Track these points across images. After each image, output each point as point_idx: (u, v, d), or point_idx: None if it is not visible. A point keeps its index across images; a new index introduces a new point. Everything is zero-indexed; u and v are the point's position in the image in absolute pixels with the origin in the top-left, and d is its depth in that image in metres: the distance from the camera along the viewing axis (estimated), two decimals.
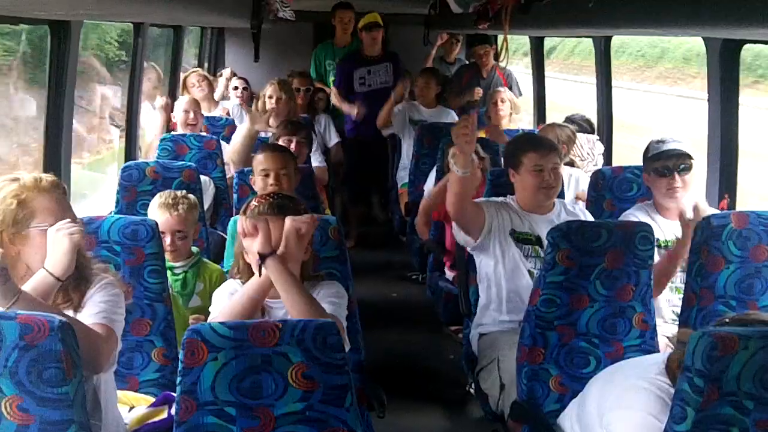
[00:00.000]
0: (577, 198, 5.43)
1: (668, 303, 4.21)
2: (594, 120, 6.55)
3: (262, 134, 5.77)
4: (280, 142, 5.38)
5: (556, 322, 3.53)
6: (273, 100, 6.45)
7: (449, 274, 5.52)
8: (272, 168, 4.52)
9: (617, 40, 6.34)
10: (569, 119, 6.40)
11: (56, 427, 2.52)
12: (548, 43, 8.98)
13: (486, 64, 8.51)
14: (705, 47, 4.58)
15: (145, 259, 3.58)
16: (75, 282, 2.89)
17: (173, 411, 2.85)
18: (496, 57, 8.07)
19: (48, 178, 2.87)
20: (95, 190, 7.45)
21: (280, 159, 4.58)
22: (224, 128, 6.81)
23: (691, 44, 12.85)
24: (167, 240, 4.08)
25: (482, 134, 7.20)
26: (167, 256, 3.93)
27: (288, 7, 7.99)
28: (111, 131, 8.36)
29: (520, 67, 8.54)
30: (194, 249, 4.28)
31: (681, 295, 3.88)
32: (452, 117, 7.79)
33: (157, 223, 3.67)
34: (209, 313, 3.35)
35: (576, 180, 5.63)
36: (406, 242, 7.03)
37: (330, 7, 8.54)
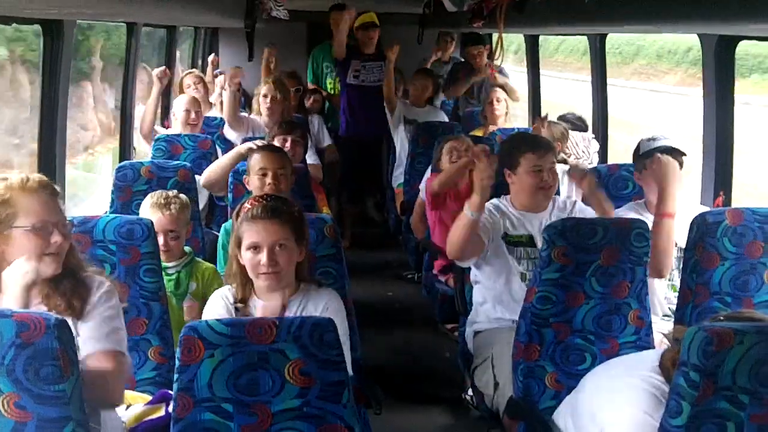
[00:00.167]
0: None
1: (666, 301, 4.22)
2: (588, 119, 6.55)
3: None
4: (275, 142, 5.37)
5: (552, 319, 3.53)
6: (268, 99, 6.44)
7: (442, 277, 5.52)
8: (270, 167, 4.49)
9: None
10: (563, 117, 6.41)
11: (53, 425, 2.52)
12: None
13: (479, 65, 8.52)
14: (700, 44, 4.58)
15: (141, 258, 3.58)
16: (72, 287, 2.87)
17: (170, 408, 2.85)
18: (490, 56, 8.07)
19: (36, 178, 2.85)
20: None
21: (278, 159, 4.57)
22: (219, 128, 6.80)
23: (664, 42, 12.98)
24: (160, 240, 4.07)
25: (478, 133, 7.23)
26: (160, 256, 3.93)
27: (282, 7, 7.99)
28: None
29: (506, 64, 8.58)
30: (187, 249, 4.27)
31: (677, 294, 3.90)
32: (442, 117, 7.80)
33: (152, 222, 3.67)
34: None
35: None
36: (402, 241, 7.04)
37: (324, 7, 8.54)
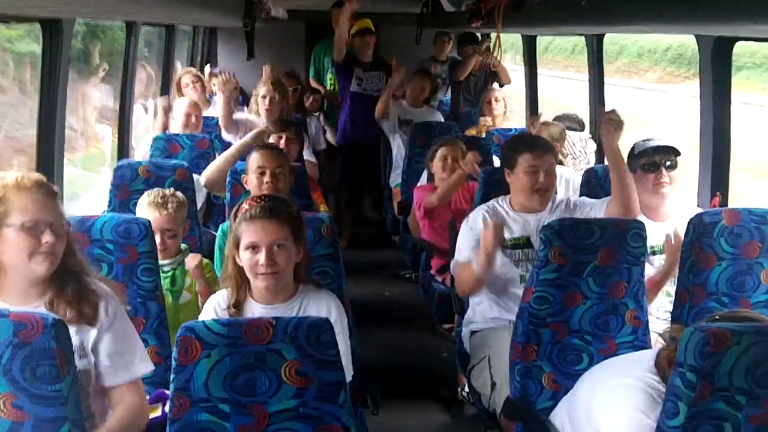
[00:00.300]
0: None
1: (661, 308, 4.22)
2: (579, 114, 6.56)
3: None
4: (270, 140, 5.42)
5: (549, 320, 3.53)
6: (266, 100, 6.43)
7: (439, 277, 5.52)
8: (269, 166, 4.50)
9: (582, 39, 6.38)
10: (560, 118, 6.41)
11: (50, 425, 2.52)
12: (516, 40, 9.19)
13: (476, 64, 8.53)
14: (697, 45, 4.58)
15: (138, 257, 3.58)
16: (76, 292, 2.86)
17: (167, 408, 2.85)
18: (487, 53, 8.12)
19: (31, 176, 2.83)
20: None
21: (276, 157, 4.58)
22: (217, 127, 6.79)
23: (644, 41, 13.28)
24: (157, 239, 4.06)
25: (474, 132, 7.24)
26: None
27: (280, 6, 7.99)
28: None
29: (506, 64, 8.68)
30: (183, 246, 4.27)
31: (672, 299, 3.90)
32: (439, 117, 7.81)
33: (149, 222, 3.67)
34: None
35: (567, 181, 5.56)
36: (399, 241, 7.04)
37: (322, 6, 8.54)
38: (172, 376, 2.75)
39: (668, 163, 4.17)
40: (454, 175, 5.44)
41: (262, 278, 3.20)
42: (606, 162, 4.36)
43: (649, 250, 4.07)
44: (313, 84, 8.91)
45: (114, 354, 2.89)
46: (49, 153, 4.52)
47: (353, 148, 8.10)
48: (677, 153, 4.18)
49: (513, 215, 4.30)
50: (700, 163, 4.72)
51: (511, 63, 10.18)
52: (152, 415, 3.16)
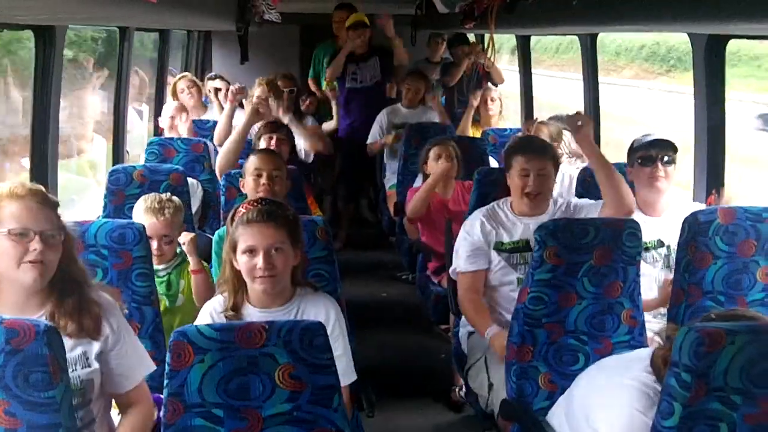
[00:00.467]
0: None
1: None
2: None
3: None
4: (262, 141, 5.47)
5: (545, 320, 3.52)
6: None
7: (435, 278, 5.51)
8: (265, 168, 4.51)
9: (566, 39, 6.42)
10: (554, 118, 6.39)
11: (43, 431, 2.51)
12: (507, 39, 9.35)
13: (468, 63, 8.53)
14: (690, 43, 4.58)
15: (133, 262, 3.58)
16: (78, 305, 2.85)
17: (161, 414, 2.84)
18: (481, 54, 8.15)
19: (25, 185, 2.83)
20: None
21: (273, 160, 4.59)
22: (211, 131, 6.78)
23: (622, 40, 13.65)
24: (154, 245, 4.06)
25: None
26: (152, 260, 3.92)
27: (274, 9, 7.98)
28: None
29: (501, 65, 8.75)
30: (178, 250, 4.26)
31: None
32: (434, 116, 7.79)
33: (144, 226, 3.66)
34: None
35: (571, 178, 5.53)
36: (396, 242, 7.03)
37: (316, 9, 8.55)
38: (165, 381, 2.75)
39: (665, 158, 4.17)
40: (425, 186, 5.50)
41: (260, 281, 3.19)
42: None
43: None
44: (311, 86, 8.90)
45: (124, 366, 2.91)
46: (42, 159, 4.51)
47: (353, 144, 8.11)
48: (674, 148, 4.18)
49: (513, 218, 4.28)
50: (695, 161, 4.73)
51: (509, 64, 10.19)
52: None
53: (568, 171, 5.60)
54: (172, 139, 6.07)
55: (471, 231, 4.27)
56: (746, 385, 2.47)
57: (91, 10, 4.08)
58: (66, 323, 2.80)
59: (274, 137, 5.49)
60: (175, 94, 7.24)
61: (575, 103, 6.66)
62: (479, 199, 4.78)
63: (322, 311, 3.28)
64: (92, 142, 7.71)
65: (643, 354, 2.92)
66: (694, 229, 3.63)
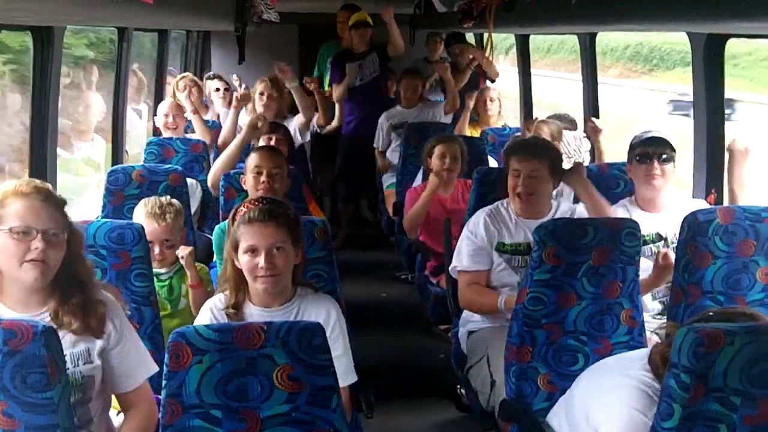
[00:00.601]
0: None
1: (656, 309, 4.22)
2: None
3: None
4: (261, 141, 5.49)
5: (544, 320, 3.51)
6: (264, 97, 6.61)
7: (434, 279, 5.51)
8: (265, 166, 4.52)
9: (557, 39, 6.44)
10: (552, 117, 6.39)
11: None
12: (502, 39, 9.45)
13: (463, 61, 8.52)
14: (689, 43, 4.58)
15: (132, 263, 3.58)
16: (83, 304, 2.85)
17: (160, 415, 2.84)
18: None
19: (32, 183, 2.83)
20: None
21: (273, 158, 4.60)
22: (215, 132, 6.79)
23: (608, 40, 14.02)
24: (155, 250, 4.05)
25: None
26: (153, 264, 3.91)
27: (272, 9, 7.97)
28: None
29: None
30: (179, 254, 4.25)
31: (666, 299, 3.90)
32: (438, 109, 7.76)
33: (142, 227, 3.66)
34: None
35: None
36: (395, 242, 7.03)
37: (315, 9, 8.54)
38: (163, 382, 2.75)
39: (663, 156, 4.19)
40: (424, 198, 5.49)
41: (262, 281, 3.18)
42: (599, 161, 4.37)
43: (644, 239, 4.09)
44: (312, 85, 8.89)
45: (126, 365, 2.93)
46: (41, 160, 4.51)
47: (354, 142, 8.12)
48: (671, 147, 4.20)
49: (516, 219, 4.28)
50: (695, 161, 4.72)
51: (511, 64, 10.20)
52: None
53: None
54: (171, 139, 6.06)
55: (475, 230, 4.27)
56: (745, 386, 2.46)
57: (90, 11, 4.07)
58: (70, 321, 2.81)
59: (273, 138, 5.51)
60: (174, 95, 7.23)
61: (567, 102, 6.67)
62: (478, 199, 4.78)
63: (322, 311, 3.27)
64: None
65: (642, 353, 2.92)
66: (693, 228, 3.63)
